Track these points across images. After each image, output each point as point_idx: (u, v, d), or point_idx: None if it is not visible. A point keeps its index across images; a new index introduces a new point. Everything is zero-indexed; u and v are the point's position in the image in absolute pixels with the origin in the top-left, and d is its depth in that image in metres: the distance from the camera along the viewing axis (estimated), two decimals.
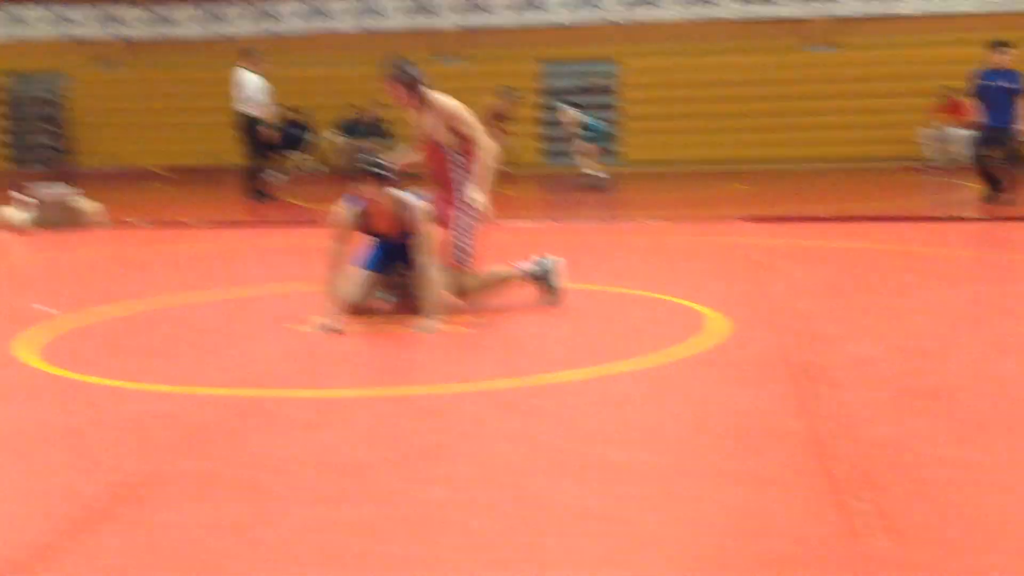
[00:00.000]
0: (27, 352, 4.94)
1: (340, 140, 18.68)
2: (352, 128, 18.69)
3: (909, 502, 2.93)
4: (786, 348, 4.78)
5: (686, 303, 5.89)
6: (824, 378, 4.22)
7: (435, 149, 5.73)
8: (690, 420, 3.79)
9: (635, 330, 5.33)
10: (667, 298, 6.07)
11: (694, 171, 17.76)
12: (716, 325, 5.27)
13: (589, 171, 14.48)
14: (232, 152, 17.71)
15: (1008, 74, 10.86)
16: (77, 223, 10.46)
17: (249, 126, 13.10)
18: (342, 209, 5.47)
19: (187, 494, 3.08)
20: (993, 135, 10.87)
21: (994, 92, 10.84)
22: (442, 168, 5.72)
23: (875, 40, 18.78)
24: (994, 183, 10.96)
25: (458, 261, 5.66)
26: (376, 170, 5.30)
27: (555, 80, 19.58)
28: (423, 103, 5.74)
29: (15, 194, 10.55)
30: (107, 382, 4.38)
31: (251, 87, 12.98)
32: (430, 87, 5.77)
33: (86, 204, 10.66)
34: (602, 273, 7.16)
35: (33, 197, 10.44)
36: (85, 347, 5.17)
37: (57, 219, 10.37)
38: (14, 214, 10.32)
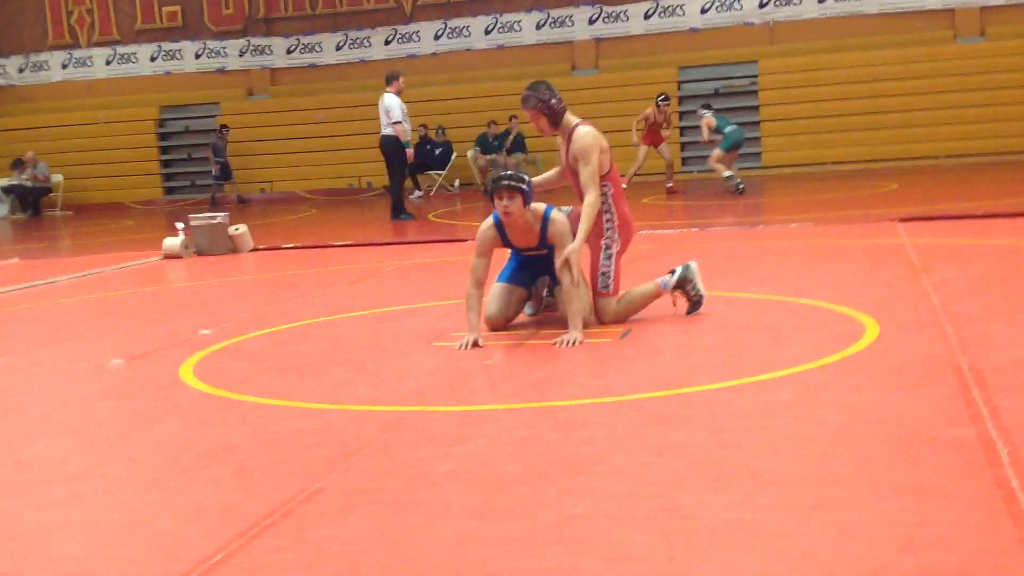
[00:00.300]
0: (187, 373, 5.15)
1: (479, 157, 18.90)
2: (490, 144, 18.89)
3: None
4: (946, 352, 4.59)
5: (837, 308, 5.73)
6: (989, 383, 4.03)
7: (576, 174, 5.69)
8: (846, 428, 3.67)
9: (785, 337, 5.21)
10: (817, 303, 5.92)
11: (840, 171, 17.33)
12: (870, 330, 5.11)
13: (730, 175, 14.26)
14: (372, 174, 18.16)
15: None
16: (230, 249, 10.86)
17: (393, 148, 13.43)
18: (484, 225, 5.52)
19: (343, 509, 3.14)
20: None
21: None
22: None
23: None
24: None
25: (603, 288, 5.64)
26: (514, 184, 5.32)
27: (694, 86, 19.38)
28: (562, 131, 5.73)
29: (177, 225, 11.05)
30: (262, 400, 4.53)
31: (396, 110, 13.33)
32: (568, 113, 5.71)
33: (238, 230, 11.06)
34: (748, 279, 7.03)
35: (189, 225, 10.90)
36: (240, 367, 5.36)
37: (212, 245, 10.80)
38: (172, 242, 10.80)
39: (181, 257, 10.68)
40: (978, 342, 4.74)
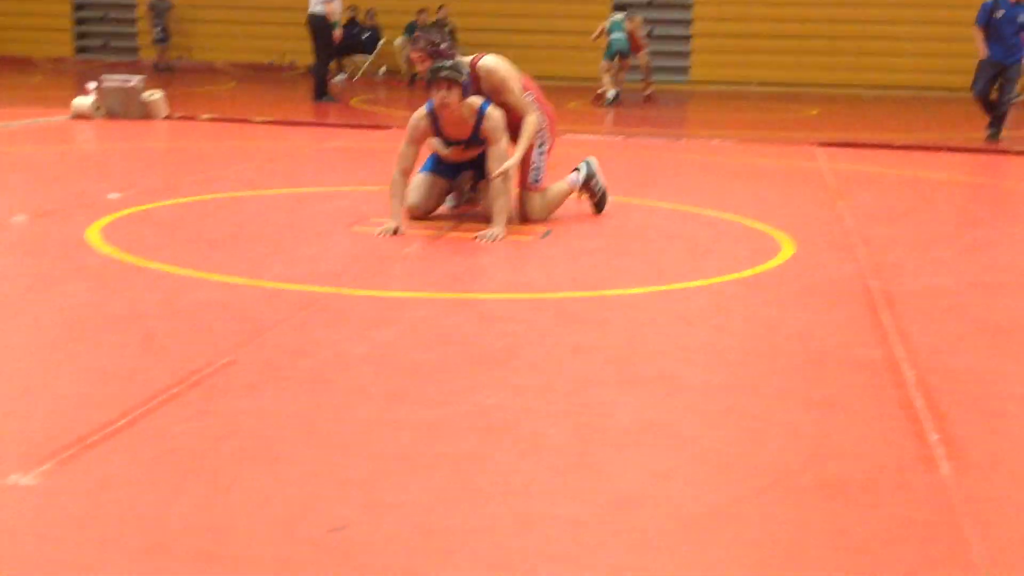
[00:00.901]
0: (93, 235, 4.99)
1: (406, 45, 18.48)
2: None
3: (976, 434, 2.87)
4: (856, 275, 4.68)
5: (755, 225, 5.79)
6: (894, 307, 4.13)
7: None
8: (757, 341, 3.73)
9: (702, 249, 5.25)
10: (735, 219, 5.97)
11: (765, 92, 17.40)
12: (785, 248, 5.18)
13: (605, 88, 14.28)
14: (298, 52, 17.62)
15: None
16: (143, 114, 10.50)
17: (321, 27, 12.99)
18: (417, 113, 5.41)
19: (253, 384, 3.09)
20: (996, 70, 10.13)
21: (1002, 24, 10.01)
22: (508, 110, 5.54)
23: None
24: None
25: (533, 182, 5.64)
26: (453, 75, 5.21)
27: None
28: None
29: (87, 84, 10.62)
30: (173, 270, 4.41)
31: None
32: (463, 54, 5.58)
33: (153, 96, 10.68)
34: (669, 191, 7.06)
35: (101, 86, 10.49)
36: (151, 235, 5.21)
37: (124, 109, 10.42)
38: (82, 102, 10.38)
39: (91, 118, 10.29)
40: (889, 268, 4.84)
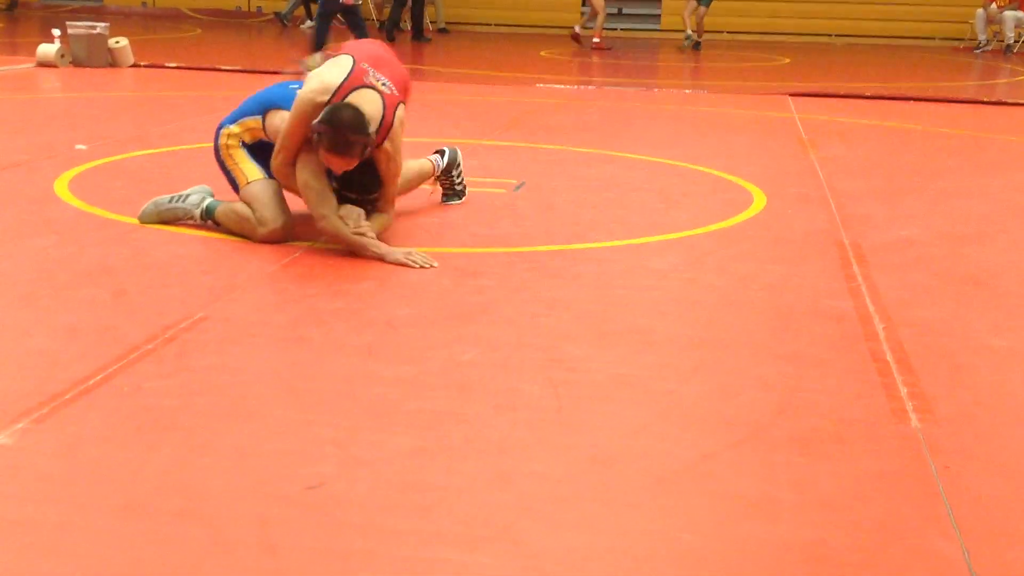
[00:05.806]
0: (61, 187, 4.93)
1: None
2: None
3: (945, 387, 2.91)
4: (829, 227, 4.71)
5: (726, 176, 5.80)
6: (865, 259, 4.16)
7: None
8: (728, 294, 3.75)
9: (674, 201, 5.26)
10: (708, 170, 5.98)
11: (734, 41, 17.34)
12: (757, 200, 5.19)
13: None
14: None
15: None
16: (109, 62, 10.33)
17: None
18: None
19: (227, 339, 3.08)
20: None
21: None
22: None
23: None
24: None
25: None
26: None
27: None
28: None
29: (53, 31, 10.42)
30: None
31: None
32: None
33: (119, 43, 10.50)
34: (641, 142, 7.05)
35: (66, 33, 10.29)
36: (118, 186, 5.15)
37: (89, 57, 10.24)
38: (47, 49, 10.20)
39: (56, 66, 10.12)
40: (860, 220, 4.87)
